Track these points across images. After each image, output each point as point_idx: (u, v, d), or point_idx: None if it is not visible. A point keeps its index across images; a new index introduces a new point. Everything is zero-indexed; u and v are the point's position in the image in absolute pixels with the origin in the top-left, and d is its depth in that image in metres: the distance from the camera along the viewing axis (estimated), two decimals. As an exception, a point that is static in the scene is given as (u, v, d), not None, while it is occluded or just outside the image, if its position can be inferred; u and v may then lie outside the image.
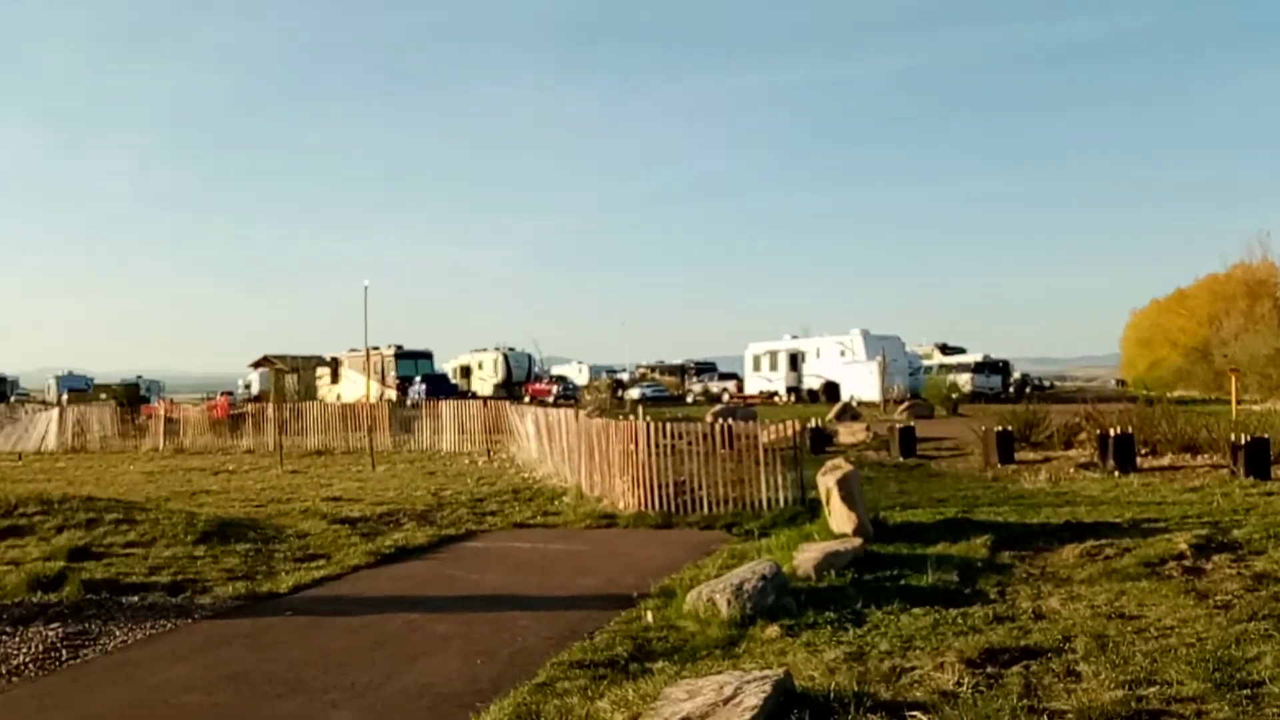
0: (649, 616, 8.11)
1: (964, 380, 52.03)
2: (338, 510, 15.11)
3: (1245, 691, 5.61)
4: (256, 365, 58.60)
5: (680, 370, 76.67)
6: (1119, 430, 18.20)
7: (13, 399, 68.17)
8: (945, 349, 68.99)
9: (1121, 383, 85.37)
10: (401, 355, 52.42)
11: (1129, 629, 7.12)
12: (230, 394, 67.35)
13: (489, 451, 25.83)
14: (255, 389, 69.11)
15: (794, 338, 58.39)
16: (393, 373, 51.14)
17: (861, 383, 49.43)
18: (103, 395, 64.14)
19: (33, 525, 12.70)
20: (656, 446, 14.11)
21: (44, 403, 56.04)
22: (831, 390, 52.23)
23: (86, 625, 8.67)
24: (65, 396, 64.88)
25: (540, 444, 20.94)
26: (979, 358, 60.42)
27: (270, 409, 31.91)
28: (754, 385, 58.52)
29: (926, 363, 60.55)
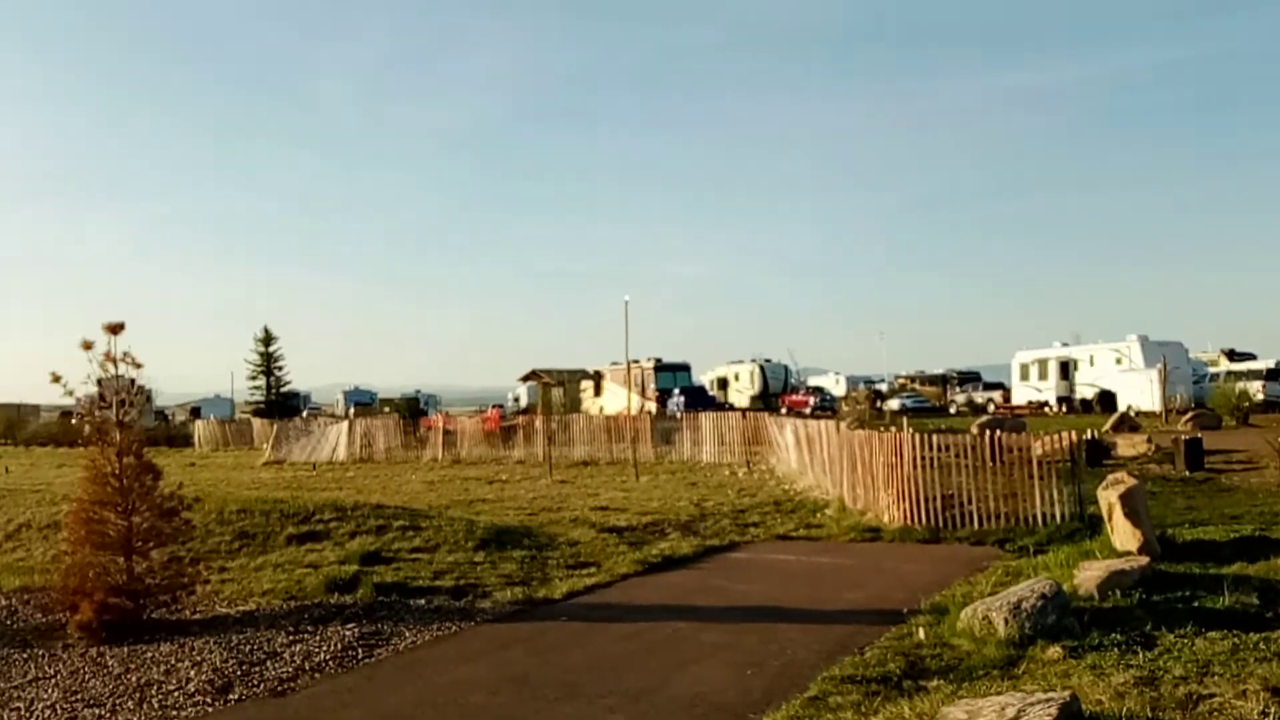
0: (921, 633, 7.95)
1: (1255, 388, 48.19)
2: (605, 519, 15.51)
3: None
4: (525, 379, 60.97)
5: (941, 380, 74.58)
6: None
7: (306, 413, 73.59)
8: (1233, 355, 64.24)
9: None
10: (661, 368, 53.30)
11: None
12: (501, 407, 70.33)
13: (748, 463, 25.91)
14: (524, 402, 71.93)
15: (1064, 345, 55.74)
16: (652, 385, 52.06)
17: (1139, 392, 46.68)
18: (386, 409, 68.30)
19: (328, 531, 13.62)
20: (921, 459, 13.81)
21: (334, 416, 60.14)
22: (1106, 400, 49.53)
23: (379, 626, 9.26)
24: (352, 410, 69.33)
25: (800, 456, 20.86)
26: (1271, 364, 55.93)
27: (539, 421, 33.07)
28: (1021, 395, 56.22)
29: (1212, 370, 56.53)
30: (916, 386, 73.56)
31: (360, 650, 8.50)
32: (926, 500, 13.69)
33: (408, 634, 8.99)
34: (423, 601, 10.16)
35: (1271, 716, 5.47)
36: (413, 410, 61.75)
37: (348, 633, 8.99)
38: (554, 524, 15.16)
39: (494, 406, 68.61)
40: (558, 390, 54.33)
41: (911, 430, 14.62)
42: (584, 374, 56.80)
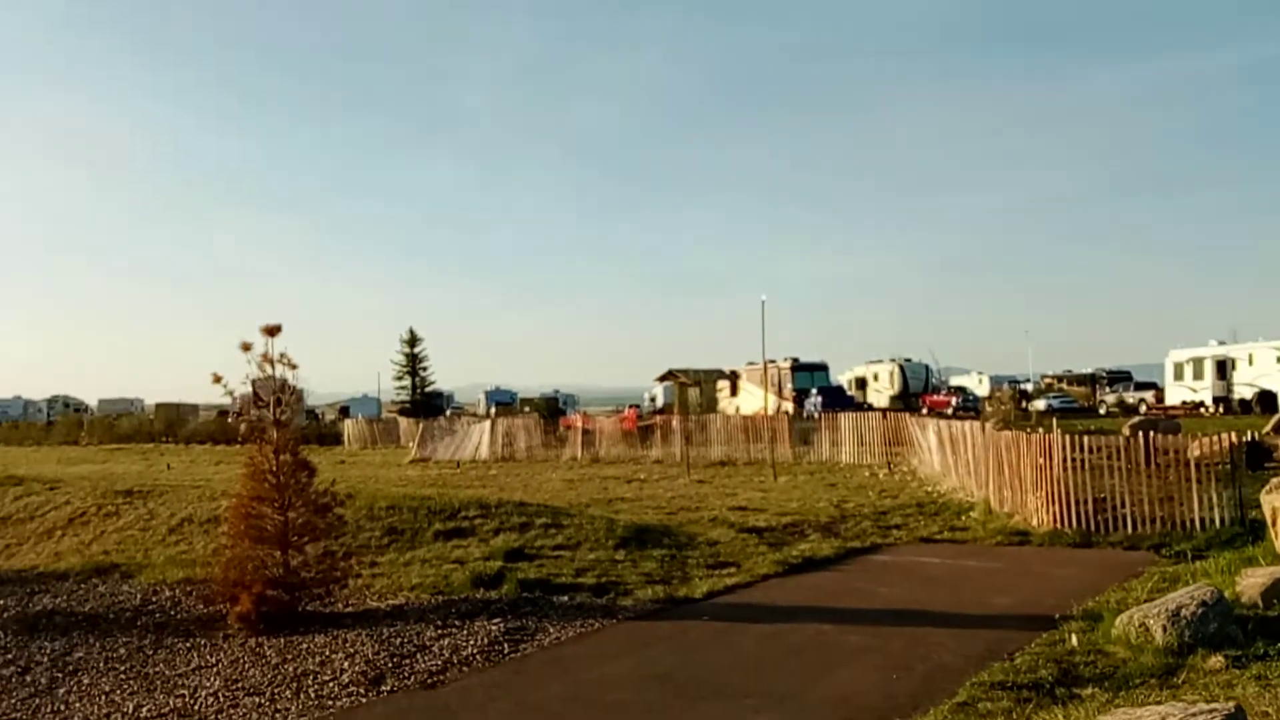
0: (1073, 639, 7.72)
1: None
2: (744, 519, 15.46)
3: None
4: (661, 379, 61.19)
5: (1090, 380, 72.22)
6: None
7: (449, 412, 75.24)
8: None
9: None
10: (798, 368, 52.89)
11: None
12: (637, 407, 70.73)
13: (889, 464, 25.52)
14: (660, 402, 72.17)
15: (1221, 343, 53.44)
16: (789, 385, 51.68)
17: (1303, 391, 44.53)
18: (525, 408, 69.40)
19: (473, 528, 13.89)
20: (1071, 460, 13.41)
21: (476, 415, 61.34)
22: (1267, 400, 47.28)
23: (524, 621, 9.42)
24: (494, 410, 70.62)
25: (943, 457, 20.46)
26: None
27: (675, 421, 33.16)
28: (1175, 395, 54.07)
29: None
30: (1064, 386, 71.43)
31: (506, 645, 8.67)
32: (1077, 503, 13.29)
33: (552, 630, 9.12)
34: (565, 598, 10.30)
35: None
36: (552, 410, 62.61)
37: (494, 628, 9.17)
38: (693, 523, 15.18)
39: (630, 406, 69.10)
40: (694, 390, 54.38)
41: (1061, 431, 14.20)
42: (720, 374, 56.74)
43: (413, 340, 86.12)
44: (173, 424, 57.01)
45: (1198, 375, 52.97)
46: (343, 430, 50.31)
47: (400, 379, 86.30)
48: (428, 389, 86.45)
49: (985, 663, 7.30)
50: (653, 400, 78.60)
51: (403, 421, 49.03)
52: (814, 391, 50.17)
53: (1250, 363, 50.57)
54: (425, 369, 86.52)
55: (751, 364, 51.43)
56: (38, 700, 7.91)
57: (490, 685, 7.59)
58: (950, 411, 47.96)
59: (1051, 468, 13.52)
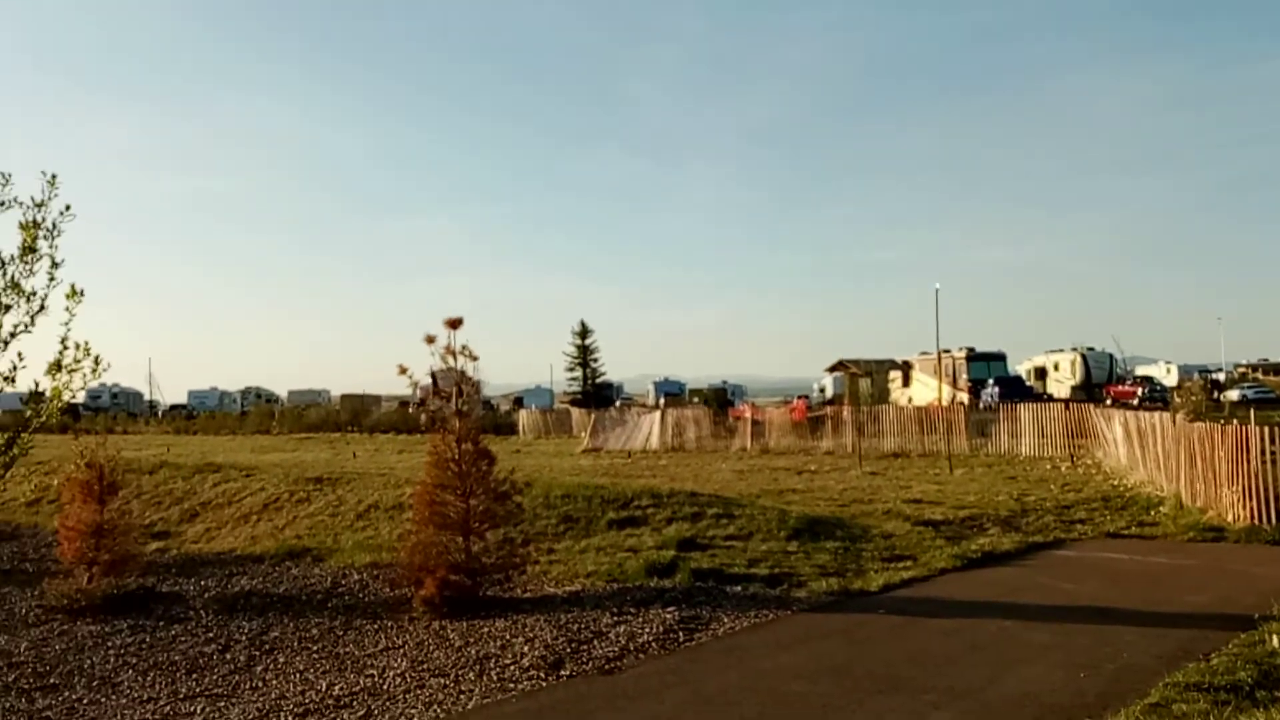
0: (1275, 640, 7.34)
1: None
2: (919, 512, 15.18)
3: None
4: (831, 369, 60.59)
5: (1289, 369, 68.41)
6: None
7: (619, 403, 76.19)
8: None
9: None
10: (973, 358, 51.54)
11: None
12: (806, 398, 70.22)
13: (1072, 457, 24.66)
14: (829, 392, 71.50)
15: None
16: (964, 375, 50.43)
17: None
18: (694, 399, 69.70)
19: (646, 517, 14.05)
20: (1270, 454, 12.71)
21: (645, 406, 61.91)
22: None
23: (697, 610, 9.48)
24: (663, 400, 71.16)
25: (1130, 449, 19.66)
26: None
27: (846, 412, 32.75)
28: (1387, 384, 50.76)
29: None
30: (1259, 376, 67.92)
31: (681, 633, 8.75)
32: (1276, 498, 12.61)
33: (725, 620, 9.16)
34: (738, 588, 10.33)
35: None
36: (720, 401, 62.72)
37: (668, 616, 9.26)
38: (866, 515, 14.98)
39: (800, 397, 68.64)
40: (865, 380, 53.65)
41: (1257, 422, 13.48)
42: (892, 364, 55.80)
43: (584, 332, 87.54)
44: (357, 414, 59.34)
45: None
46: (517, 420, 51.50)
47: (572, 370, 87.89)
48: (598, 380, 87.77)
49: (1179, 663, 7.01)
50: (822, 391, 77.91)
51: (574, 412, 49.85)
52: (990, 382, 48.82)
53: None
54: (596, 360, 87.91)
55: (924, 354, 50.39)
56: (237, 677, 8.38)
57: (666, 672, 7.68)
58: (1136, 403, 46.05)
59: (1249, 461, 12.85)
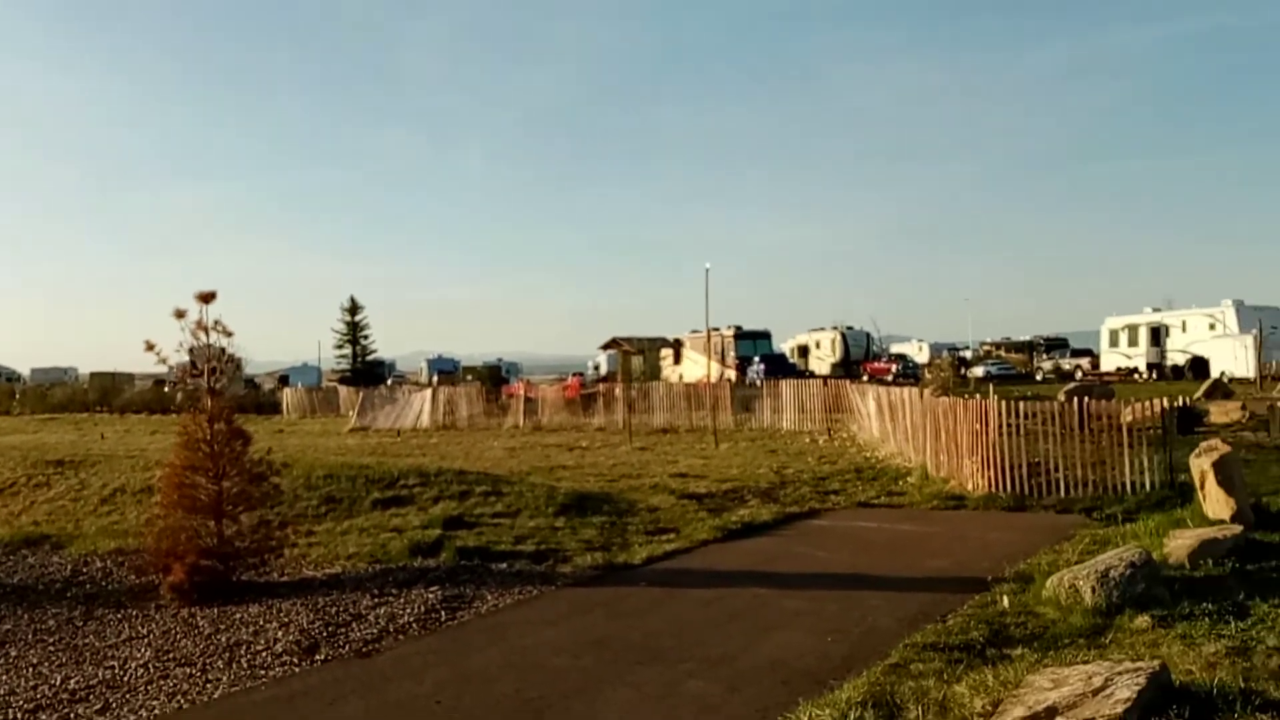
0: (1005, 601, 7.84)
1: (1357, 353, 46.69)
2: (684, 486, 15.51)
3: None
4: (605, 347, 61.20)
5: (1028, 347, 73.42)
6: None
7: (390, 381, 74.71)
8: (1334, 319, 62.22)
9: None
10: (741, 336, 53.09)
11: None
12: (581, 375, 70.64)
13: (829, 430, 25.72)
14: (604, 370, 72.23)
15: (1155, 310, 54.42)
16: (732, 353, 51.88)
17: (1234, 358, 45.45)
18: (468, 377, 69.04)
19: (413, 496, 13.80)
20: (1007, 426, 13.59)
21: (418, 384, 60.95)
22: (1198, 366, 48.27)
23: (461, 589, 9.37)
24: (436, 378, 70.19)
25: (882, 423, 20.64)
26: (1374, 329, 54.07)
27: (619, 389, 33.15)
28: (1110, 362, 55.05)
29: (1313, 335, 54.80)
30: (1002, 353, 72.55)
31: (444, 613, 8.62)
32: (1012, 468, 13.48)
33: (490, 597, 9.09)
34: (504, 565, 10.27)
35: (1373, 690, 5.30)
36: (495, 378, 62.35)
37: (431, 596, 9.12)
38: (634, 490, 15.20)
39: (575, 374, 68.99)
40: (638, 358, 54.42)
41: (997, 397, 14.38)
42: (664, 342, 56.83)
43: (354, 308, 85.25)
44: (107, 393, 55.91)
45: (1132, 342, 53.97)
46: (282, 399, 49.68)
47: (341, 347, 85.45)
48: (369, 357, 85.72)
49: (919, 625, 7.38)
50: (596, 368, 78.60)
51: (342, 390, 48.52)
52: (757, 359, 50.43)
53: (1184, 330, 51.56)
54: (366, 337, 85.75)
55: (695, 332, 51.52)
56: (-38, 674, 7.74)
57: (427, 653, 7.55)
58: (891, 379, 48.42)
59: (988, 433, 13.68)
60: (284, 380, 75.67)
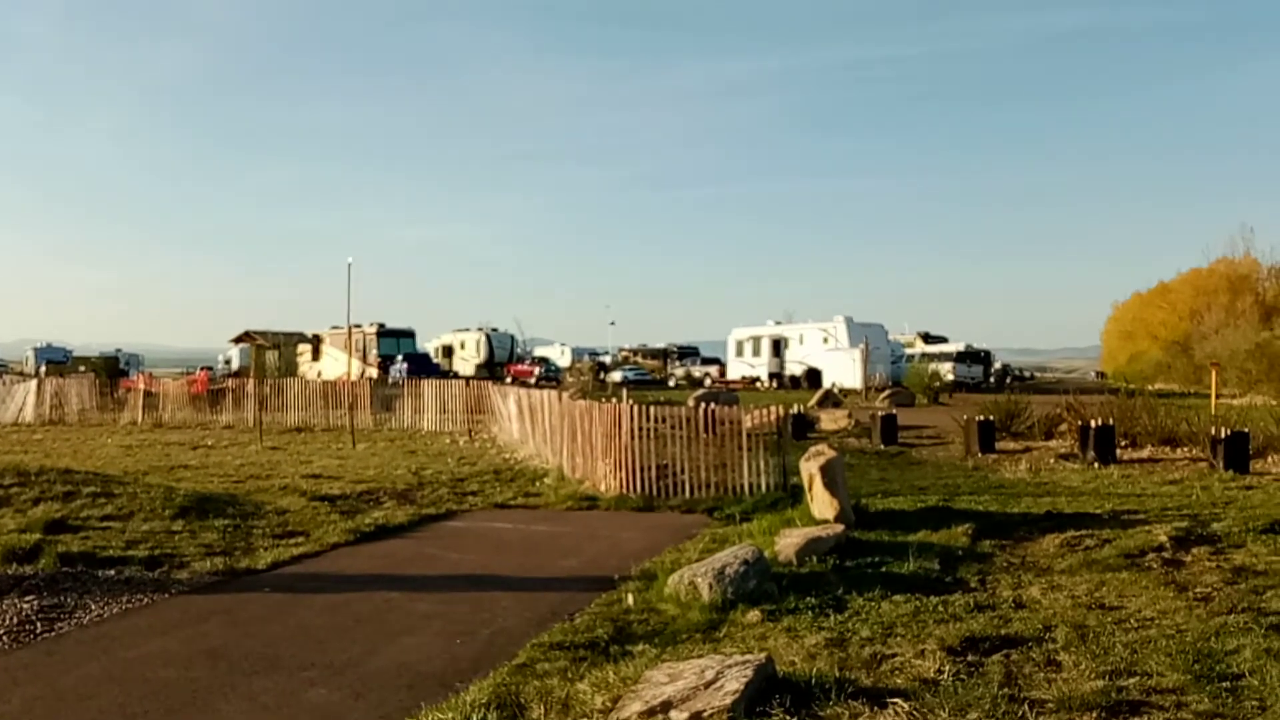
0: (630, 599, 8.08)
1: (946, 369, 52.09)
2: (317, 487, 15.02)
3: (1224, 684, 5.62)
4: (237, 340, 58.37)
5: (663, 354, 76.71)
6: (1099, 422, 18.28)
7: (-11, 370, 67.73)
8: (927, 338, 69.29)
9: (1101, 375, 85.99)
10: (384, 333, 52.21)
11: (1109, 620, 7.14)
12: (210, 369, 67.03)
13: (470, 432, 25.76)
14: (235, 364, 68.85)
15: (777, 324, 58.44)
16: (374, 351, 50.95)
17: (844, 370, 49.57)
18: (81, 367, 63.77)
19: (9, 497, 12.54)
20: (639, 430, 14.08)
21: (21, 374, 55.55)
22: (814, 377, 52.31)
23: (62, 598, 8.57)
24: (43, 368, 64.42)
25: (522, 425, 20.89)
26: (961, 347, 60.74)
27: (250, 385, 31.72)
28: (736, 370, 58.58)
29: (909, 351, 60.71)
30: (639, 359, 75.36)
31: (39, 624, 7.85)
32: (642, 469, 13.97)
33: (94, 606, 8.37)
34: (112, 572, 9.49)
35: (946, 674, 5.87)
36: (111, 370, 57.98)
37: (26, 606, 8.28)
38: (262, 492, 14.56)
39: (203, 368, 65.35)
40: (272, 353, 52.24)
41: (631, 401, 14.88)
42: (302, 337, 54.92)
43: (-53, 290, 76.68)
44: None
45: (756, 352, 57.66)
46: None
47: (-69, 333, 76.64)
48: (-36, 345, 77.40)
49: (547, 624, 7.47)
50: (228, 363, 74.76)
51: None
52: (400, 358, 49.73)
53: (801, 342, 55.62)
54: (-39, 323, 77.42)
55: (336, 328, 50.16)
56: None
57: (17, 668, 6.82)
58: (534, 381, 49.21)
59: (620, 436, 14.12)
60: None
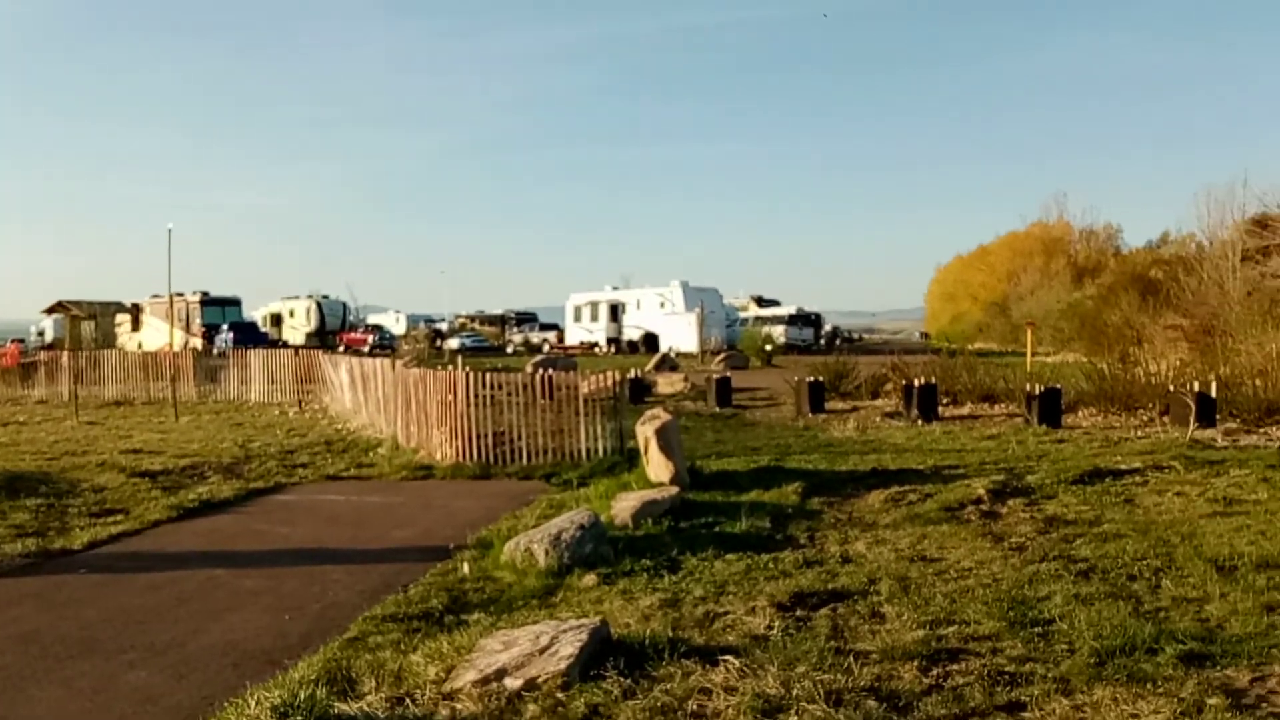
0: (465, 568, 8.02)
1: (778, 332, 53.34)
2: (138, 463, 14.46)
3: (1037, 629, 5.92)
4: (50, 311, 55.62)
5: (500, 320, 76.17)
6: (923, 381, 18.99)
7: None
8: (761, 301, 70.64)
9: (925, 335, 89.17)
10: (207, 302, 50.32)
11: (930, 571, 7.44)
12: (21, 341, 63.44)
13: (300, 402, 25.12)
14: (49, 336, 65.35)
15: (615, 289, 58.68)
16: (198, 320, 49.10)
17: (680, 334, 50.16)
18: (-128, 341, 59.64)
19: None
20: (475, 397, 13.95)
21: None
22: (651, 341, 52.78)
23: None
24: None
25: (355, 394, 20.47)
26: (792, 310, 62.21)
27: (65, 357, 30.23)
28: (575, 336, 58.63)
29: (743, 315, 61.84)
30: (476, 326, 74.69)
31: None
32: (479, 437, 13.86)
33: (-112, 596, 7.87)
34: (-89, 558, 8.95)
35: (775, 629, 6.02)
36: (-94, 343, 54.37)
37: None
38: (78, 469, 13.93)
39: (13, 341, 61.85)
40: (89, 324, 49.88)
41: (467, 369, 14.73)
42: (120, 307, 52.56)
43: None
44: None
45: (594, 318, 57.78)
46: None
47: None
48: None
49: (380, 596, 7.36)
50: (41, 335, 70.93)
51: None
52: (225, 327, 48.05)
53: (638, 307, 55.97)
54: None
55: (156, 297, 48.13)
56: None
57: None
58: (367, 349, 48.26)
59: (456, 403, 13.97)
60: None
